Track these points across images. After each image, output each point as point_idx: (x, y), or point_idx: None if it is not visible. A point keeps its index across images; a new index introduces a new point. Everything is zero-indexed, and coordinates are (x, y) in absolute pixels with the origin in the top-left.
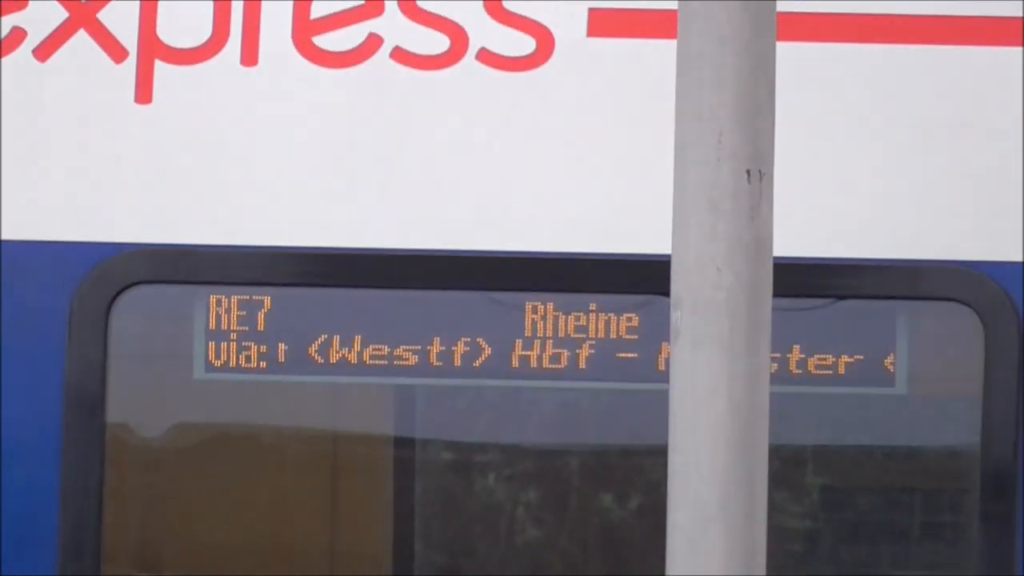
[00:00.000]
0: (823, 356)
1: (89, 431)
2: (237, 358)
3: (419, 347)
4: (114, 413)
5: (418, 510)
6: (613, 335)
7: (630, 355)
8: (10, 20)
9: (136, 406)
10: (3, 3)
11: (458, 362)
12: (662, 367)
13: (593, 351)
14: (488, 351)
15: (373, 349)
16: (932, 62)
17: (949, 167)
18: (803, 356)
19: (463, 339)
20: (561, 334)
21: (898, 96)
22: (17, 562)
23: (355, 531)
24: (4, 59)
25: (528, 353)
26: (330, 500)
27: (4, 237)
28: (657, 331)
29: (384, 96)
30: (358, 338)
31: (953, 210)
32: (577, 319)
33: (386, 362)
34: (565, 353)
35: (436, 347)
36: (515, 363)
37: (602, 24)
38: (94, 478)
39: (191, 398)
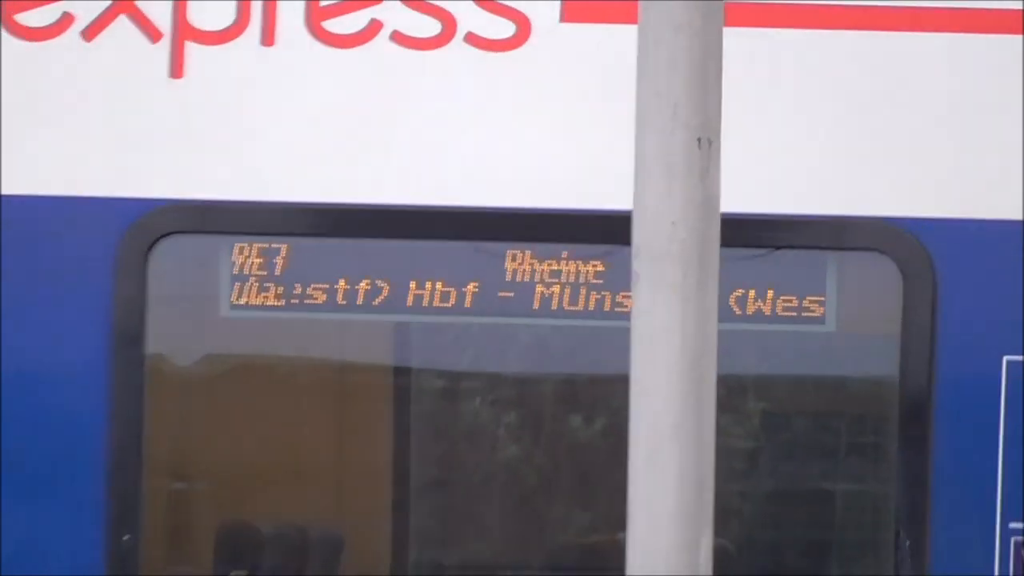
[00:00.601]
0: (763, 299)
1: (132, 360)
2: (257, 297)
3: (413, 289)
4: (152, 344)
5: (413, 428)
6: (582, 279)
7: (596, 295)
8: (60, 6)
9: (171, 339)
10: None
11: (449, 302)
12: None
13: (565, 292)
14: (471, 292)
15: (373, 290)
16: (857, 44)
17: (873, 135)
18: (747, 297)
19: (450, 282)
20: (537, 279)
21: (829, 73)
22: (70, 476)
23: (357, 445)
24: (55, 40)
25: (508, 294)
26: (335, 418)
27: (57, 192)
28: (620, 277)
29: (384, 73)
30: (364, 281)
31: (876, 171)
32: (550, 265)
33: (385, 302)
34: (539, 294)
35: (427, 289)
36: (496, 303)
37: (574, 12)
38: (136, 401)
39: (218, 332)
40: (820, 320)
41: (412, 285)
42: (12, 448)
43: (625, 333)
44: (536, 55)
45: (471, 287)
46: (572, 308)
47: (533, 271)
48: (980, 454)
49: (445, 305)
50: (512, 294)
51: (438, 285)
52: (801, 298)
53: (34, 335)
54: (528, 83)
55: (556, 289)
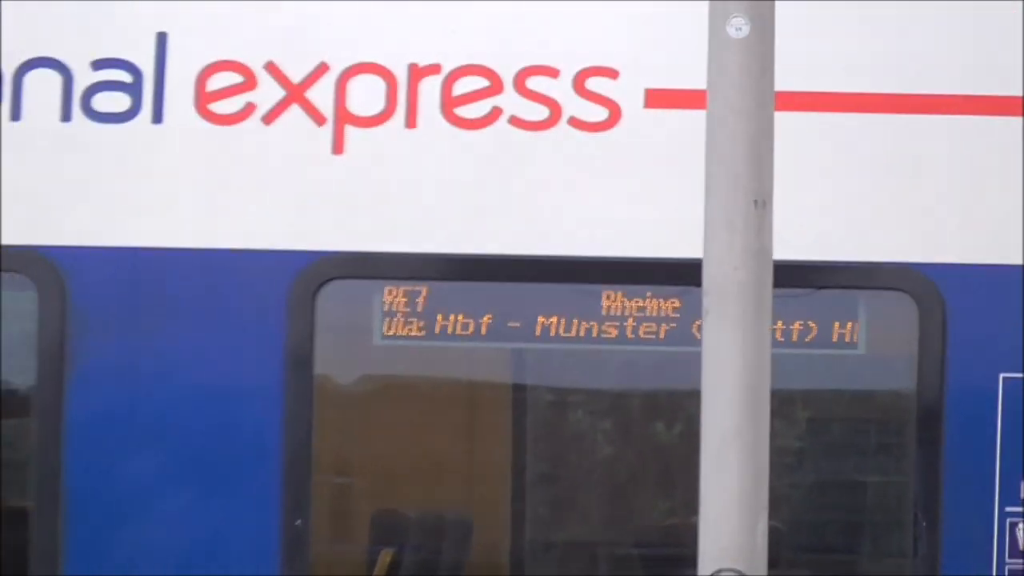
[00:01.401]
0: (808, 328)
1: (302, 380)
2: (403, 329)
3: (526, 322)
4: (319, 367)
5: (528, 433)
6: (662, 314)
7: (673, 326)
8: (244, 97)
9: (334, 363)
10: (238, 85)
11: (556, 332)
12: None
13: (649, 324)
14: (573, 325)
15: (495, 323)
16: (882, 123)
17: (895, 197)
18: (794, 327)
19: (556, 316)
20: (626, 313)
21: (861, 147)
22: (253, 473)
23: (482, 447)
24: (240, 124)
25: (605, 326)
26: (465, 426)
27: (240, 246)
28: (692, 312)
29: (504, 149)
30: (487, 316)
31: (898, 225)
32: (637, 303)
33: (504, 332)
34: (629, 326)
35: (538, 322)
36: (594, 333)
37: (654, 99)
38: (306, 414)
39: (371, 358)
40: (853, 345)
41: (526, 319)
42: (206, 451)
43: (697, 357)
44: (625, 134)
45: (573, 321)
46: (654, 337)
47: (623, 307)
48: (982, 452)
49: (552, 335)
50: (607, 326)
51: (547, 319)
52: (838, 328)
53: (223, 360)
54: (619, 156)
55: (642, 322)
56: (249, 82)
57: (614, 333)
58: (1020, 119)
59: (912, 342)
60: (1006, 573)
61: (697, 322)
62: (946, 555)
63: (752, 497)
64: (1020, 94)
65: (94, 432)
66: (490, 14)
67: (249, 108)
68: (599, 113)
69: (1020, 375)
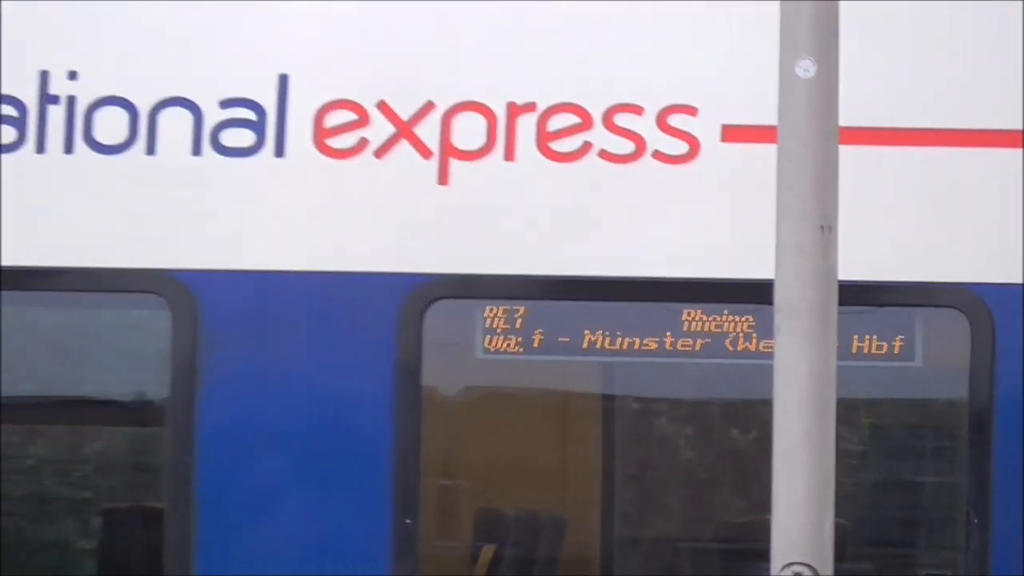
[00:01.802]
0: (871, 342)
1: (412, 390)
2: (503, 345)
3: (614, 338)
4: (427, 379)
5: (616, 439)
6: (738, 330)
7: (748, 342)
8: (357, 133)
9: (440, 375)
10: (353, 123)
11: (640, 347)
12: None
13: (726, 340)
14: (657, 340)
15: (587, 338)
16: (935, 156)
17: (947, 225)
18: (858, 342)
19: (641, 332)
20: (705, 330)
21: (918, 179)
22: (366, 476)
23: (575, 451)
24: (355, 158)
25: (684, 342)
26: (560, 431)
27: (355, 269)
28: (765, 328)
29: (594, 180)
30: (580, 332)
31: (951, 249)
32: (715, 320)
33: (594, 347)
34: (707, 341)
35: (625, 338)
36: (676, 347)
37: (730, 135)
38: (415, 422)
39: (474, 370)
40: (911, 357)
41: (614, 335)
42: (324, 456)
43: (769, 369)
44: (703, 166)
45: (656, 336)
46: (731, 350)
47: (703, 324)
48: None
49: (638, 349)
50: (687, 341)
51: (633, 335)
52: (897, 342)
53: (340, 373)
54: (698, 186)
55: (719, 337)
56: (362, 120)
57: (694, 347)
58: None
59: (964, 355)
60: None
61: (769, 338)
62: (996, 550)
63: (819, 496)
64: None
65: (223, 439)
66: (581, 58)
67: (362, 143)
68: (680, 147)
69: None
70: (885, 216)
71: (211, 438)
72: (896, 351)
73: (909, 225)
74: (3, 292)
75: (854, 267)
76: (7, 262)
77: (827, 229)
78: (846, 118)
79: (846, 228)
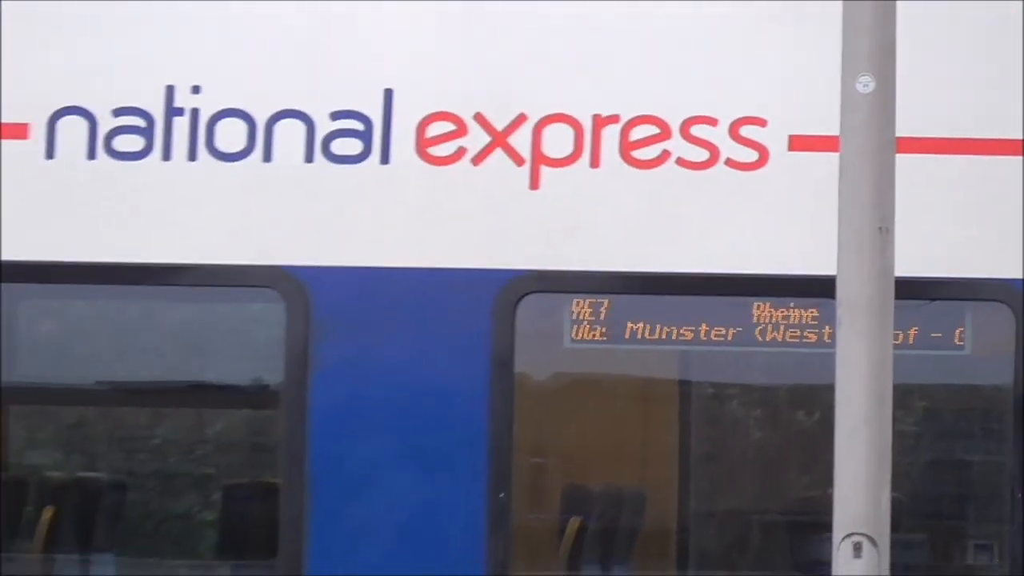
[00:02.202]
0: (924, 333)
1: (505, 376)
2: (588, 335)
3: (691, 328)
4: (519, 366)
5: (693, 422)
6: (804, 321)
7: (814, 332)
8: (455, 143)
9: (531, 362)
10: (451, 133)
11: (714, 337)
12: (830, 339)
13: (794, 330)
14: (728, 331)
15: (665, 329)
16: (982, 164)
17: (991, 226)
18: (914, 332)
19: (715, 323)
20: (774, 321)
21: (969, 186)
22: (463, 454)
23: (655, 430)
24: (454, 164)
25: (754, 332)
26: (641, 412)
27: (452, 265)
28: (828, 319)
29: (671, 185)
30: (659, 324)
31: (997, 247)
32: (783, 312)
33: (672, 337)
34: (776, 332)
35: (701, 328)
36: (747, 337)
37: (796, 143)
38: (508, 405)
39: (562, 358)
40: (961, 347)
41: (691, 326)
42: (426, 436)
43: (831, 358)
44: (772, 173)
45: (728, 327)
46: (797, 340)
47: (771, 316)
48: None
49: (712, 339)
50: (757, 331)
51: (708, 326)
52: (948, 332)
53: (439, 360)
54: (767, 191)
55: (785, 329)
56: (460, 130)
57: (763, 338)
58: None
59: (1010, 343)
60: None
61: (832, 328)
62: None
63: (877, 473)
64: None
65: (334, 421)
66: (660, 74)
67: (460, 151)
68: (751, 155)
69: None
70: (936, 218)
71: (322, 419)
72: (948, 341)
73: (958, 226)
74: (135, 286)
75: (910, 265)
76: (138, 259)
77: (885, 230)
78: (902, 128)
79: (902, 229)
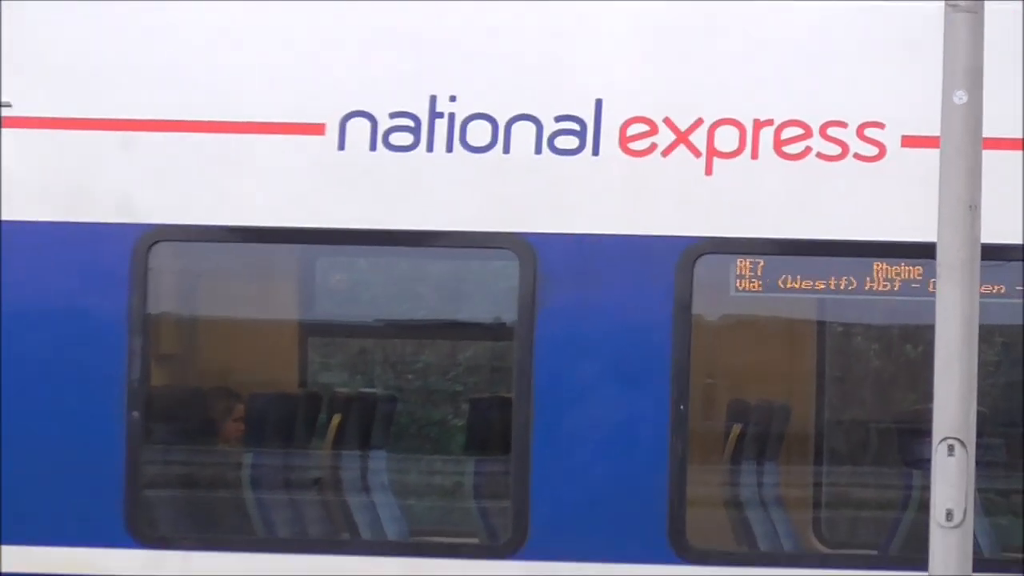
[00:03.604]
0: (1004, 286)
1: (684, 319)
2: (749, 286)
3: (825, 281)
4: (696, 310)
5: (827, 351)
6: (911, 277)
7: (918, 286)
8: (649, 139)
9: (705, 307)
10: (646, 132)
11: (843, 287)
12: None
13: (902, 284)
14: (855, 283)
15: (806, 282)
16: None
17: None
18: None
19: (844, 277)
20: (887, 277)
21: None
22: (654, 376)
23: (800, 357)
24: (649, 156)
25: (877, 285)
26: (788, 343)
27: (645, 232)
28: (930, 276)
29: (812, 174)
30: (802, 278)
31: None
32: (895, 269)
33: (813, 289)
34: (888, 285)
35: (831, 281)
36: (868, 288)
37: (907, 141)
38: (686, 339)
39: (728, 304)
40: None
41: (825, 280)
42: (622, 363)
43: (932, 304)
44: (891, 165)
45: (855, 280)
46: (905, 292)
47: (886, 272)
48: None
49: (843, 289)
50: (875, 284)
51: (838, 279)
52: (1017, 287)
53: (633, 305)
54: (885, 178)
55: (898, 283)
56: (652, 130)
57: (880, 290)
58: None
59: None
60: None
61: (932, 284)
62: None
63: (966, 392)
64: None
65: (554, 350)
66: (805, 87)
67: (652, 147)
68: (872, 150)
69: None
70: (1013, 195)
71: (545, 349)
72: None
73: None
74: (405, 247)
75: (994, 234)
76: (407, 227)
77: (973, 208)
78: (988, 130)
79: (988, 205)
